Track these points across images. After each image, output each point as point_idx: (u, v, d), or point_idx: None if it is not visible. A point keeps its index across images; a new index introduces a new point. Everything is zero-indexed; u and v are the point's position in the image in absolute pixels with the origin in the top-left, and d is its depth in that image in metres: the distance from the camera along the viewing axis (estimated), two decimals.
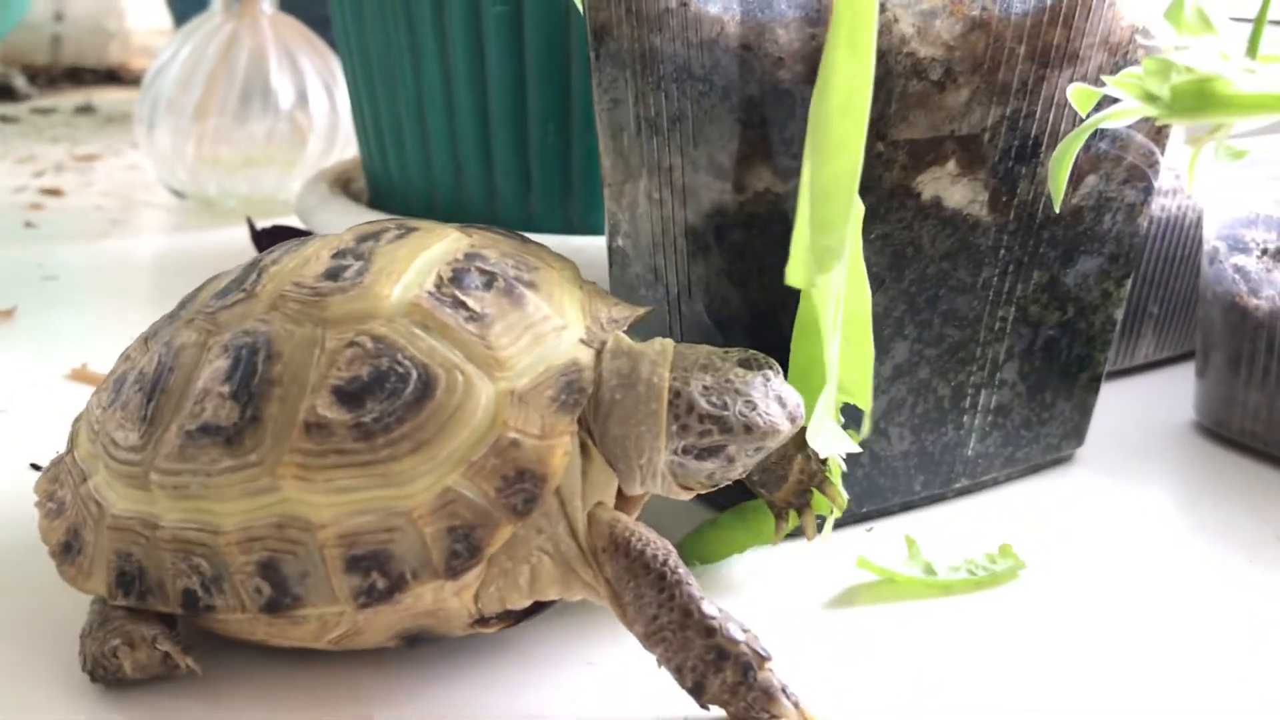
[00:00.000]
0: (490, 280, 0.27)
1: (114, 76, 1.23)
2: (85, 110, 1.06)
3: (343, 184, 0.60)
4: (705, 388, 0.27)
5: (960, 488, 0.38)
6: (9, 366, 0.47)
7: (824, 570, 0.33)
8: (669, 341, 0.28)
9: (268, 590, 0.25)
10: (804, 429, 0.28)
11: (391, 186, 0.55)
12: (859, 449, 0.29)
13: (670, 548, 0.26)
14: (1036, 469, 0.40)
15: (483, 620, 0.27)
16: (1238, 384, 0.41)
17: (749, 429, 0.26)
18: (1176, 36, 0.26)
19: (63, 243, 0.65)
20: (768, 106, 0.30)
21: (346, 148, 0.72)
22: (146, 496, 0.27)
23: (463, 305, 0.27)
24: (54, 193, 0.75)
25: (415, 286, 0.27)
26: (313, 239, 0.30)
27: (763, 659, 0.25)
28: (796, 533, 0.32)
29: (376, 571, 0.25)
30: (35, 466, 0.39)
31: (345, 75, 0.57)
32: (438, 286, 0.27)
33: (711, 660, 0.25)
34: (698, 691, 0.25)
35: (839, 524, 0.35)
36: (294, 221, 0.59)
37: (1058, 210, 0.32)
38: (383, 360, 0.26)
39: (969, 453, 0.37)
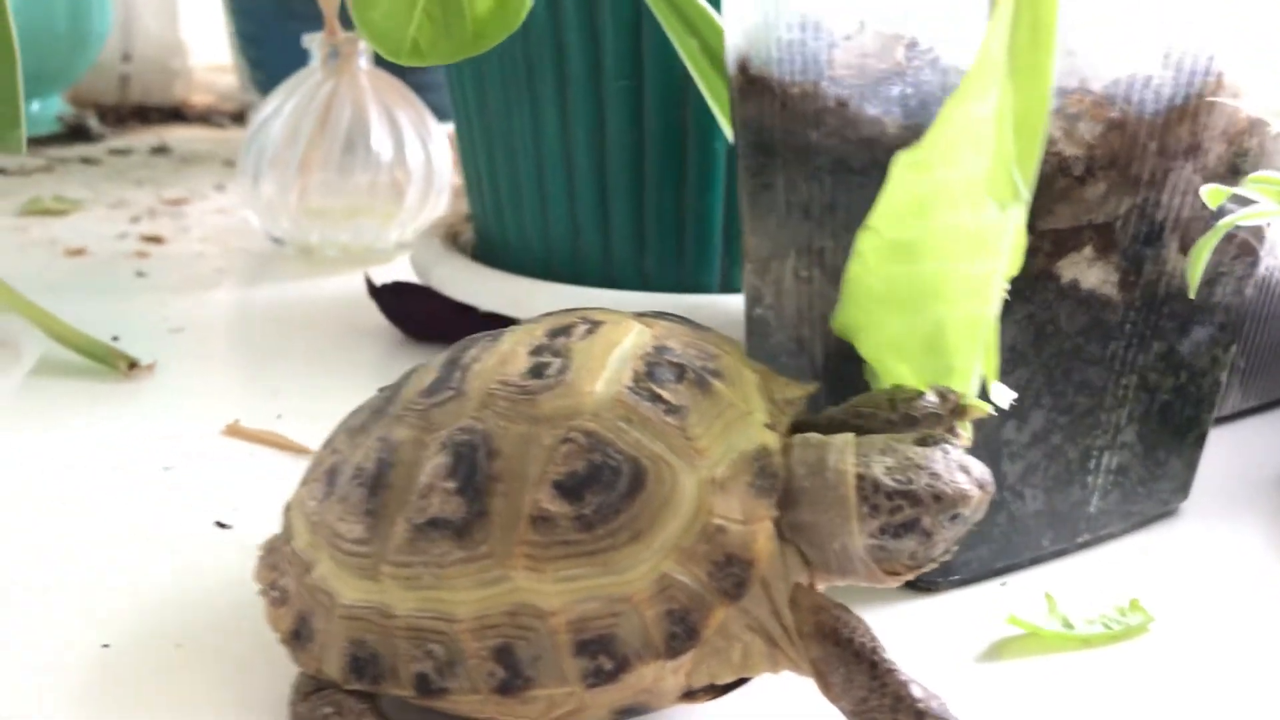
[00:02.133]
0: (681, 372, 0.30)
1: (179, 114, 1.27)
2: (161, 151, 1.09)
3: (452, 238, 0.63)
4: (888, 468, 0.29)
5: (1083, 542, 0.40)
6: (163, 423, 0.50)
7: (967, 624, 0.36)
8: (850, 434, 0.30)
9: (501, 673, 0.28)
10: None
11: (507, 245, 0.57)
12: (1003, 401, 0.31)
13: (869, 628, 0.28)
14: (1148, 521, 0.42)
15: (691, 694, 0.29)
16: None
17: (938, 498, 0.28)
18: None
19: (178, 293, 0.68)
20: None
21: (440, 197, 0.75)
22: (378, 587, 0.29)
23: (659, 398, 0.29)
24: (156, 240, 0.78)
25: (615, 382, 0.29)
26: (502, 334, 0.32)
27: None
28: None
29: (604, 654, 0.27)
30: (221, 524, 0.42)
31: (460, 137, 0.59)
32: (635, 381, 0.29)
33: None
34: None
35: (976, 579, 0.38)
36: (408, 274, 0.62)
37: (1193, 296, 0.35)
38: (596, 455, 0.28)
39: (1091, 509, 0.40)
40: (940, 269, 0.29)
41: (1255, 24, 0.35)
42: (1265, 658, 0.35)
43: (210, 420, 0.50)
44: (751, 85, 0.38)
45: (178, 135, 1.17)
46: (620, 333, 0.31)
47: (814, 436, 0.30)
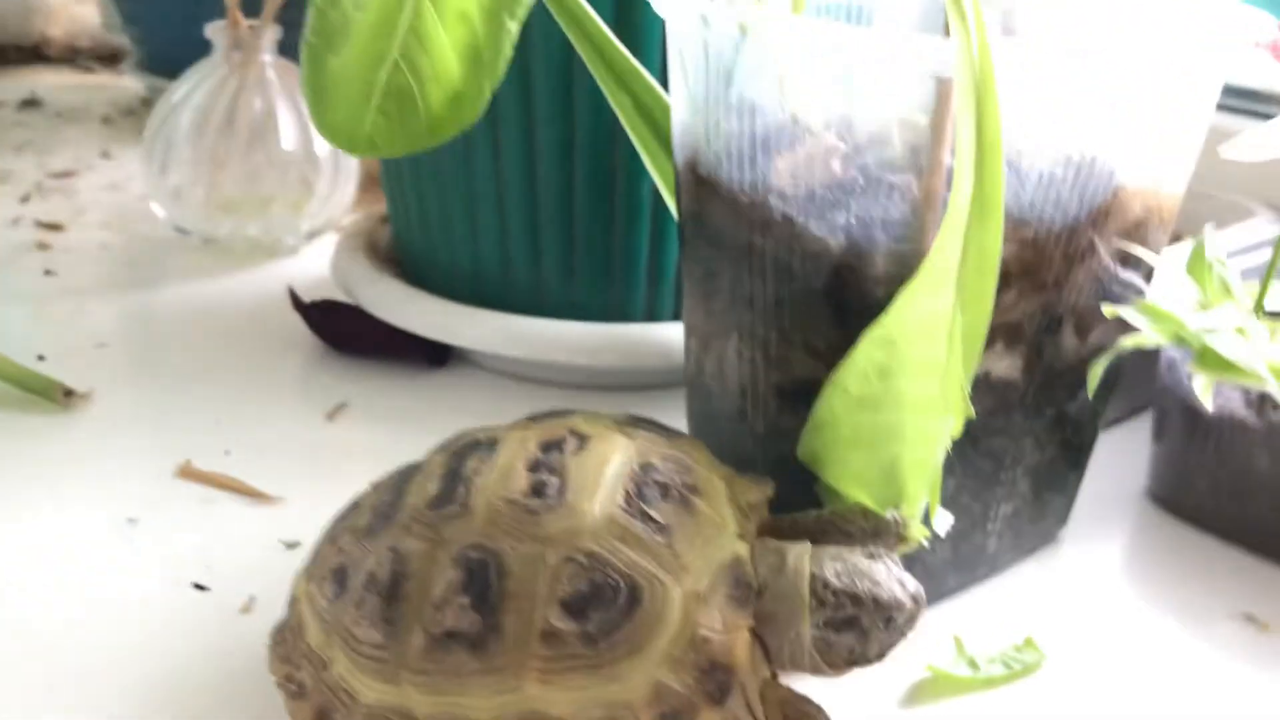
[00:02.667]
0: (665, 491, 0.34)
1: (39, 54, 1.22)
2: (31, 104, 1.05)
3: (372, 247, 0.64)
4: (837, 571, 0.34)
5: (981, 576, 0.46)
6: (113, 463, 0.51)
7: (889, 668, 0.41)
8: (807, 543, 0.35)
9: None
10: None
11: (435, 267, 0.59)
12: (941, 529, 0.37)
13: (828, 715, 0.33)
14: (1035, 550, 0.48)
15: None
16: (1188, 468, 0.50)
17: (876, 601, 0.33)
18: (1199, 294, 0.33)
19: (93, 297, 0.68)
20: (862, 314, 0.37)
21: (348, 185, 0.75)
22: (397, 690, 0.33)
23: (649, 518, 0.33)
24: (54, 228, 0.77)
25: (609, 503, 0.33)
26: (496, 443, 0.35)
27: None
28: None
29: None
30: (199, 587, 0.44)
31: (385, 166, 0.61)
32: (627, 502, 0.33)
33: None
34: None
35: None
36: (318, 269, 0.65)
37: (1091, 397, 0.40)
38: (596, 574, 0.32)
39: (989, 550, 0.45)
40: (898, 419, 0.33)
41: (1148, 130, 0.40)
42: (1133, 675, 0.41)
43: (159, 458, 0.52)
44: (700, 185, 0.41)
45: (45, 82, 1.13)
46: (608, 449, 0.35)
47: (773, 542, 0.35)
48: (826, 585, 0.33)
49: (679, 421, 0.54)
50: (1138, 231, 0.42)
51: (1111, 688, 0.41)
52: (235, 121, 0.71)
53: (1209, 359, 0.32)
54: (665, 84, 0.43)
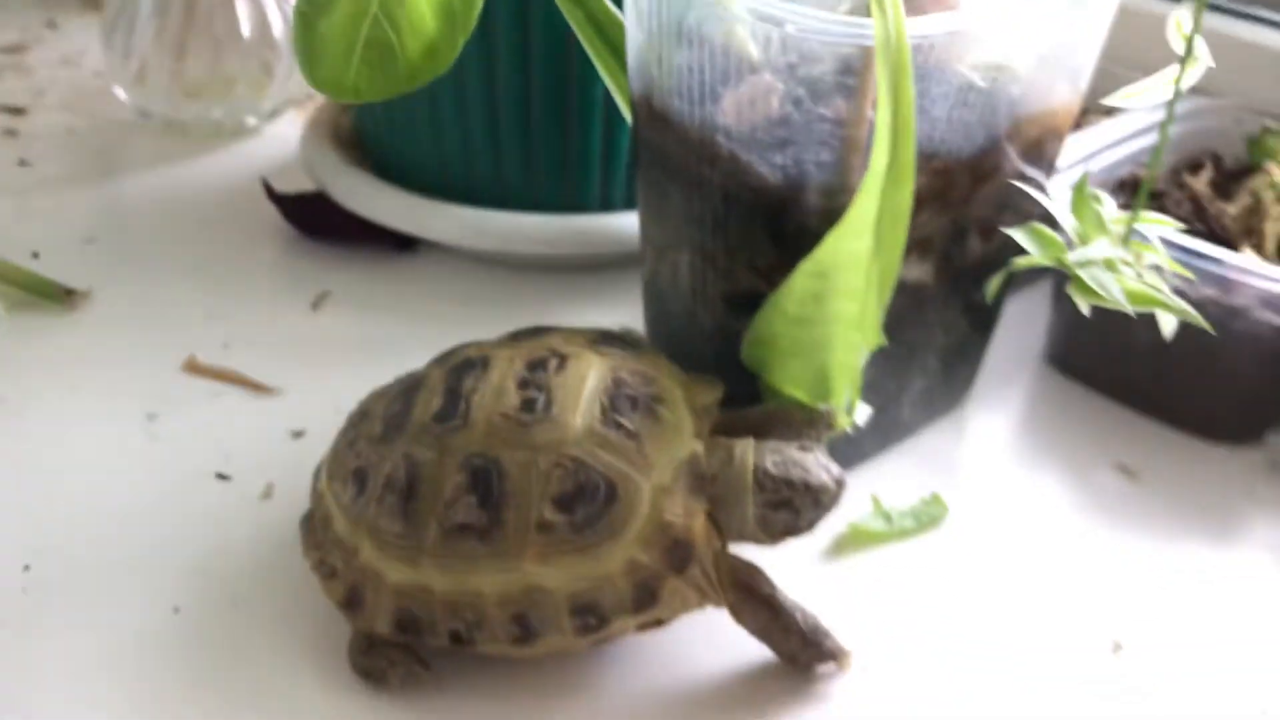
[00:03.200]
0: (634, 403, 0.40)
1: None
2: None
3: (337, 135, 0.68)
4: (775, 462, 0.41)
5: (896, 440, 0.54)
6: (122, 361, 0.57)
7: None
8: (751, 439, 0.41)
9: (518, 631, 0.39)
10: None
11: (400, 160, 0.64)
12: (860, 420, 0.45)
13: (767, 576, 0.41)
14: (944, 413, 0.56)
15: (642, 627, 0.41)
16: (1080, 335, 0.58)
17: (806, 485, 0.41)
18: (1078, 227, 0.40)
19: (70, 187, 0.71)
20: (797, 239, 0.43)
21: None
22: (418, 571, 0.40)
23: (621, 427, 0.40)
24: (17, 111, 0.80)
25: (588, 415, 0.40)
26: (489, 362, 0.41)
27: (826, 635, 0.41)
28: None
29: (592, 614, 0.39)
30: (222, 476, 0.50)
31: None
32: (603, 414, 0.40)
33: (803, 643, 0.41)
34: (792, 658, 0.41)
35: None
36: (281, 153, 0.71)
37: (990, 300, 0.47)
38: (580, 475, 0.39)
39: (904, 420, 0.53)
40: (828, 334, 0.40)
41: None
42: (1022, 521, 0.50)
43: (165, 353, 0.57)
44: (654, 118, 0.46)
45: None
46: (585, 367, 0.41)
47: (723, 440, 0.41)
48: (766, 473, 0.41)
49: (628, 297, 0.60)
50: (1036, 148, 0.48)
51: (1004, 533, 0.50)
52: (194, 7, 0.74)
53: (1081, 286, 0.39)
54: (618, 3, 0.48)
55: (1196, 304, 0.52)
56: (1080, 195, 0.40)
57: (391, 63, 0.44)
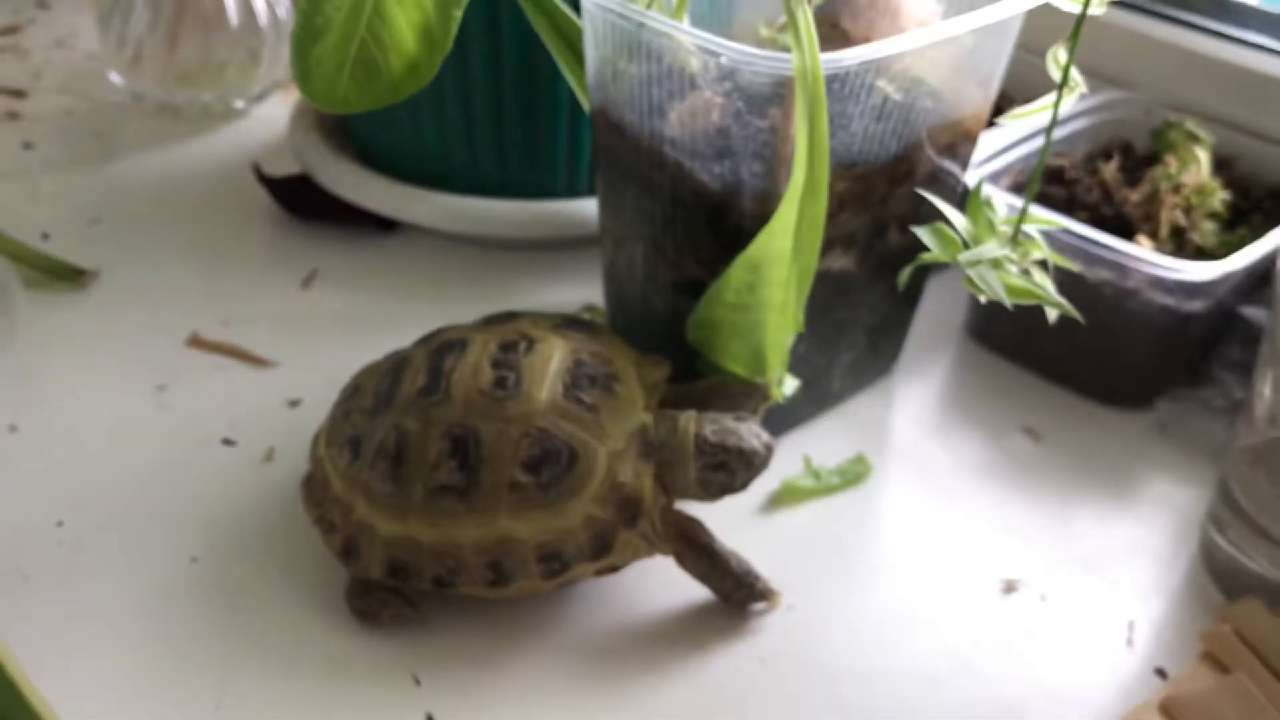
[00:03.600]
0: (592, 381, 0.47)
1: None
2: None
3: (322, 122, 0.74)
4: (713, 430, 0.47)
5: (827, 407, 0.60)
6: (130, 335, 0.63)
7: (754, 485, 0.56)
8: (693, 412, 0.48)
9: (492, 575, 0.45)
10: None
11: (381, 147, 0.70)
12: (789, 391, 0.51)
13: (705, 527, 0.48)
14: (872, 382, 0.63)
15: (599, 572, 0.48)
16: (995, 309, 0.64)
17: (740, 451, 0.47)
18: (971, 228, 0.46)
19: (74, 170, 0.76)
20: (735, 236, 0.49)
21: (287, 51, 0.83)
22: (405, 526, 0.46)
23: (581, 401, 0.46)
24: (18, 94, 0.85)
25: (553, 391, 0.46)
26: (467, 344, 0.48)
27: (757, 578, 0.48)
28: None
29: (556, 561, 0.45)
30: (228, 442, 0.56)
31: None
32: (565, 390, 0.46)
33: (734, 586, 0.47)
34: (726, 597, 0.48)
35: None
36: (268, 134, 0.76)
37: (903, 286, 0.53)
38: (546, 443, 0.45)
39: (834, 389, 0.60)
40: (761, 318, 0.46)
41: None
42: (937, 478, 0.57)
43: (170, 329, 0.63)
44: (610, 128, 0.52)
45: None
46: (550, 350, 0.47)
47: (669, 412, 0.48)
48: (705, 440, 0.47)
49: (590, 276, 0.67)
50: (949, 150, 0.55)
51: (919, 489, 0.57)
52: (187, 3, 0.79)
53: (970, 282, 0.45)
54: (578, 10, 0.53)
55: (1094, 285, 0.59)
56: (975, 200, 0.47)
57: (377, 78, 0.50)
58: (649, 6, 0.48)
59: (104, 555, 0.50)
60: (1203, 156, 0.65)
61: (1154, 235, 0.62)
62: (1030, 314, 0.61)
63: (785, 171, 0.47)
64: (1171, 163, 0.65)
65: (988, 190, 0.48)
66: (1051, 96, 0.46)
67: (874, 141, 0.50)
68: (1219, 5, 0.74)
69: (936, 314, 0.67)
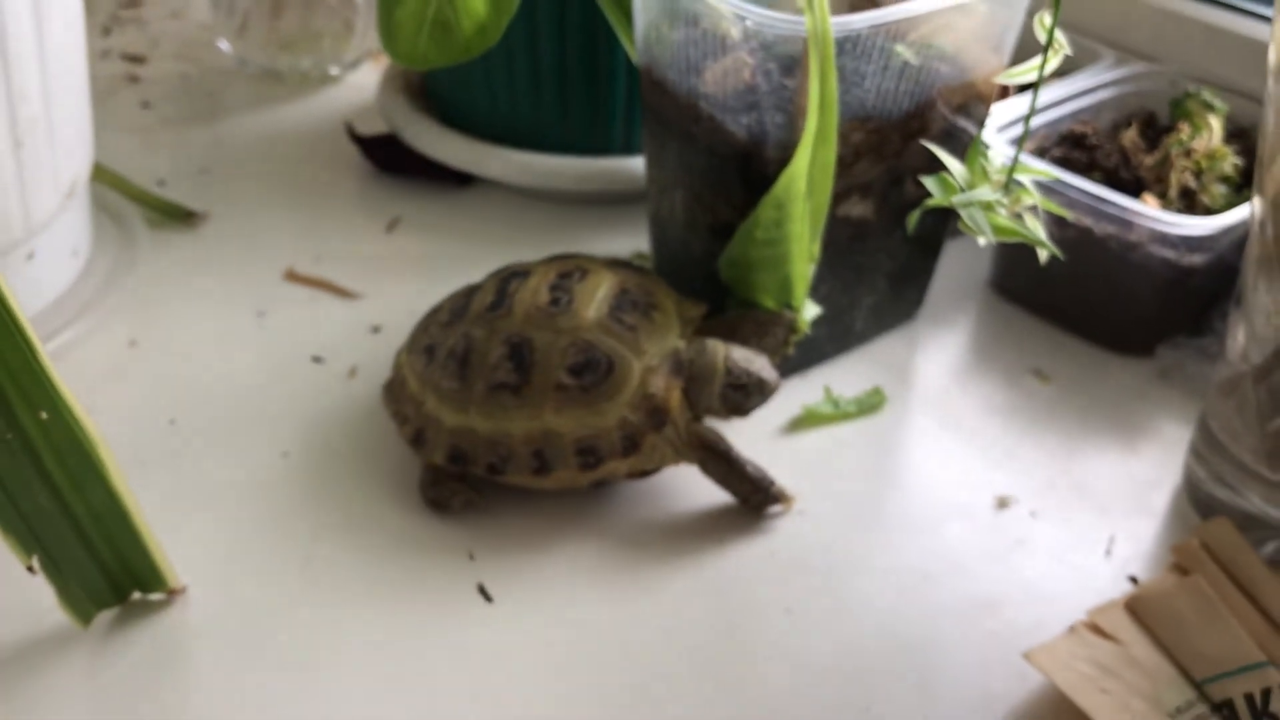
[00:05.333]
0: (634, 306, 0.54)
1: None
2: None
3: (408, 86, 0.81)
4: (740, 356, 0.54)
5: (851, 345, 0.66)
6: (236, 269, 0.71)
7: (778, 409, 0.62)
8: (719, 341, 0.55)
9: (536, 464, 0.53)
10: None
11: (458, 109, 0.77)
12: (812, 320, 0.57)
13: (724, 437, 0.54)
14: (896, 326, 0.68)
15: (631, 475, 0.55)
16: (1015, 263, 0.70)
17: (759, 379, 0.54)
18: (968, 175, 0.52)
19: (186, 126, 0.85)
20: (760, 182, 0.56)
21: None
22: (466, 417, 0.53)
23: (622, 321, 0.53)
24: (137, 60, 0.94)
25: (599, 311, 0.53)
26: (530, 270, 0.55)
27: (772, 483, 0.54)
28: None
29: (591, 455, 0.52)
30: (317, 359, 0.64)
31: None
32: (610, 311, 0.53)
33: (751, 489, 0.54)
34: (744, 501, 0.54)
35: (786, 373, 0.64)
36: (362, 100, 0.84)
37: (912, 229, 0.59)
38: (589, 352, 0.52)
39: (857, 327, 0.66)
40: (787, 250, 0.53)
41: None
42: (947, 411, 0.62)
43: (269, 265, 0.71)
44: (654, 86, 0.59)
45: None
46: (600, 279, 0.54)
47: (700, 339, 0.55)
48: (734, 362, 0.54)
49: (643, 226, 0.73)
50: (961, 110, 0.60)
51: (928, 419, 0.62)
52: None
53: (962, 222, 0.51)
54: None
55: (1100, 239, 0.64)
56: (974, 150, 0.53)
57: (451, 38, 0.57)
58: None
59: (208, 448, 0.58)
60: (1215, 124, 0.70)
61: (1164, 196, 0.67)
62: (1046, 267, 0.67)
63: (803, 122, 0.53)
64: (1184, 129, 0.69)
65: (996, 145, 0.53)
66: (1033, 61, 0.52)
67: (887, 98, 0.56)
68: None
69: (962, 268, 0.73)
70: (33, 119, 0.56)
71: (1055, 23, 0.49)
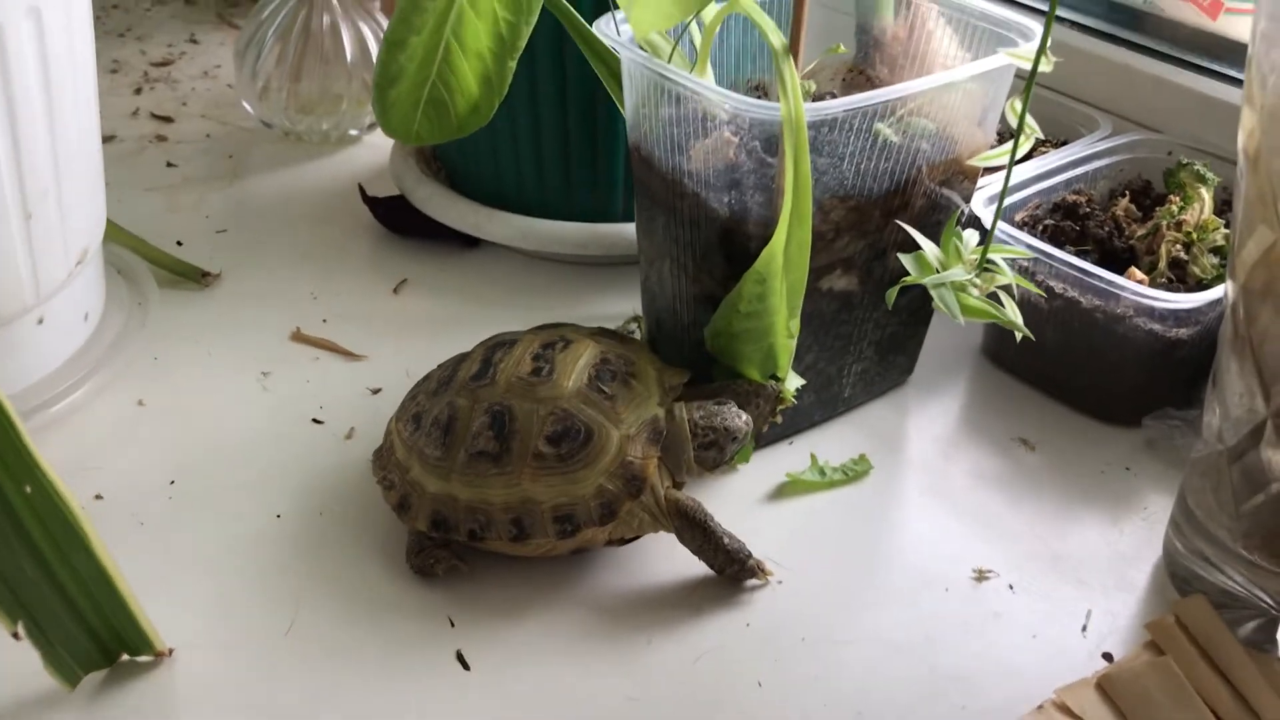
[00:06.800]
0: (614, 375, 0.55)
1: None
2: None
3: (419, 151, 0.84)
4: (701, 415, 0.55)
5: (839, 412, 0.67)
6: (243, 329, 0.73)
7: (763, 476, 0.63)
8: (683, 404, 0.56)
9: (514, 531, 0.54)
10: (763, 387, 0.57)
11: (466, 174, 0.79)
12: (797, 390, 0.58)
13: (702, 506, 0.55)
14: (885, 392, 0.69)
15: (610, 542, 0.56)
16: (1006, 332, 0.70)
17: (725, 429, 0.55)
18: (941, 256, 0.53)
19: (207, 185, 0.88)
20: (742, 257, 0.57)
21: None
22: (448, 485, 0.55)
23: (602, 391, 0.54)
24: (166, 119, 0.97)
25: (579, 380, 0.54)
26: (516, 341, 0.57)
27: (748, 556, 0.55)
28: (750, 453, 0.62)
29: (568, 523, 0.54)
30: (316, 421, 0.66)
31: None
32: (589, 381, 0.55)
33: (727, 561, 0.55)
34: (720, 570, 0.55)
35: (773, 440, 0.65)
36: (376, 162, 0.86)
37: (890, 306, 0.60)
38: (568, 421, 0.54)
39: (846, 394, 0.67)
40: (770, 323, 0.54)
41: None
42: (937, 480, 0.63)
43: (277, 325, 0.73)
44: (642, 162, 0.60)
45: None
46: (581, 349, 0.56)
47: (675, 406, 0.56)
48: (696, 424, 0.55)
49: (636, 288, 0.75)
50: (946, 185, 0.61)
51: (912, 486, 0.63)
52: (309, 38, 0.90)
53: (936, 302, 0.52)
54: None
55: (1087, 310, 0.65)
56: (948, 231, 0.54)
57: (446, 117, 0.59)
58: (671, 60, 0.56)
59: (205, 509, 0.60)
60: (1207, 195, 0.70)
61: (1154, 266, 0.68)
62: (1034, 336, 0.67)
63: (782, 203, 0.55)
64: (1175, 201, 0.70)
65: (984, 215, 0.54)
66: (1007, 145, 0.53)
67: (868, 176, 0.57)
68: (1241, 55, 0.79)
69: (956, 334, 0.74)
70: (43, 191, 0.58)
71: (1025, 108, 0.50)
